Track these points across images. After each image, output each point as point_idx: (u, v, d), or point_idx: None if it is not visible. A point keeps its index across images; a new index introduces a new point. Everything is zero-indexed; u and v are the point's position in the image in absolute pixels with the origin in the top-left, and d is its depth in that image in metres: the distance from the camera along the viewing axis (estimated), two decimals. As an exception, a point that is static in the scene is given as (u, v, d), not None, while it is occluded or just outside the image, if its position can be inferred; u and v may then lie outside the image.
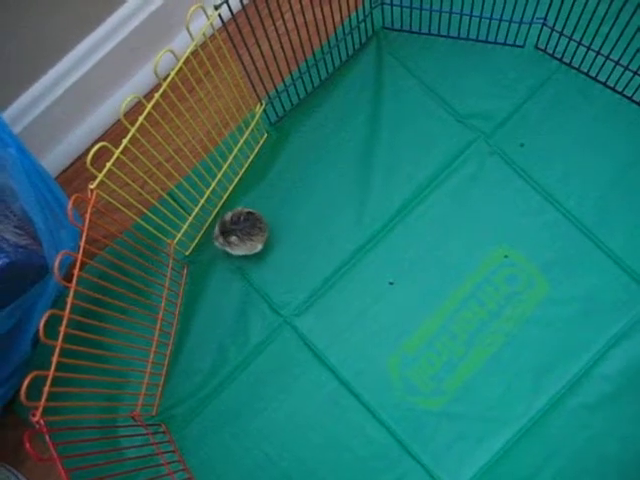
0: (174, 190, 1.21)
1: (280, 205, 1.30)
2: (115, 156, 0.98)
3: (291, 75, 1.31)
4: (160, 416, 1.23)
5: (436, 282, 1.25)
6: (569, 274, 1.23)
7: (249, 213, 1.23)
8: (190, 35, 1.01)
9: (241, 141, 1.29)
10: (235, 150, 1.29)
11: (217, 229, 1.24)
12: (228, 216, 1.22)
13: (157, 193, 1.18)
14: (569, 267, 1.23)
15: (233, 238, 1.22)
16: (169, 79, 1.03)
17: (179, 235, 1.24)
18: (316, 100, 1.37)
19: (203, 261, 1.30)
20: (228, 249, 1.24)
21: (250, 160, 1.34)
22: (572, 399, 1.17)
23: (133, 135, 1.01)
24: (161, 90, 1.02)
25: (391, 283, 1.26)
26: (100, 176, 0.98)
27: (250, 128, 1.29)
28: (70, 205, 0.92)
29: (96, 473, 0.97)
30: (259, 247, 1.26)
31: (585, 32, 1.24)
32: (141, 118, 1.00)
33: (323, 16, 1.23)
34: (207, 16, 1.03)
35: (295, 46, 1.23)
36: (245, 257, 1.27)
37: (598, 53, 1.26)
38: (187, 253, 1.29)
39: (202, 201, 1.26)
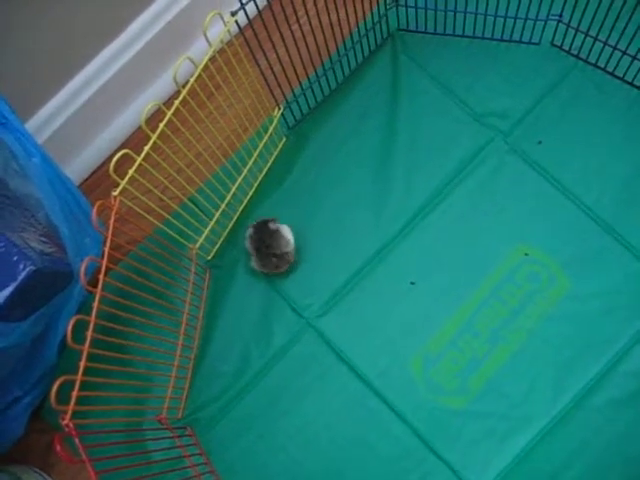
0: (195, 195, 1.22)
1: (300, 208, 1.31)
2: (137, 163, 1.00)
3: (308, 79, 1.32)
4: (185, 419, 1.24)
5: (457, 281, 1.25)
6: (590, 270, 1.23)
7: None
8: (208, 42, 1.02)
9: (260, 145, 1.30)
10: (255, 155, 1.30)
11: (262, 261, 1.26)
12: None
13: (178, 199, 1.20)
14: (590, 263, 1.23)
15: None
16: (188, 86, 1.04)
17: (201, 240, 1.25)
18: (333, 103, 1.38)
19: (225, 265, 1.31)
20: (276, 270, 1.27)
21: (269, 164, 1.35)
22: (597, 396, 1.17)
23: (154, 142, 1.02)
24: (180, 97, 1.03)
25: (412, 283, 1.26)
26: (122, 183, 0.99)
27: (269, 133, 1.30)
28: (94, 212, 0.94)
29: (124, 475, 0.99)
30: None
31: (601, 28, 1.24)
32: (162, 125, 1.02)
33: (339, 19, 1.24)
34: (224, 22, 1.04)
35: (311, 50, 1.24)
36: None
37: (615, 48, 1.26)
38: (209, 258, 1.31)
39: (223, 205, 1.27)
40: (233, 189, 1.28)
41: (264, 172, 1.34)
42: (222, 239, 1.31)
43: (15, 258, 1.02)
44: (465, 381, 1.20)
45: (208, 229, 1.26)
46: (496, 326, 1.22)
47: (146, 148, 1.00)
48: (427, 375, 1.21)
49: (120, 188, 0.99)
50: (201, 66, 1.03)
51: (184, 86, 1.04)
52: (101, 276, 0.97)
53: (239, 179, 1.29)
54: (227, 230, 1.31)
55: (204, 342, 1.27)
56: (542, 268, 1.24)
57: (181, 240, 1.21)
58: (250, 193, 1.33)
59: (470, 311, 1.23)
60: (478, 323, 1.23)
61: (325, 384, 1.23)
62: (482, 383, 1.20)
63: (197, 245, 1.25)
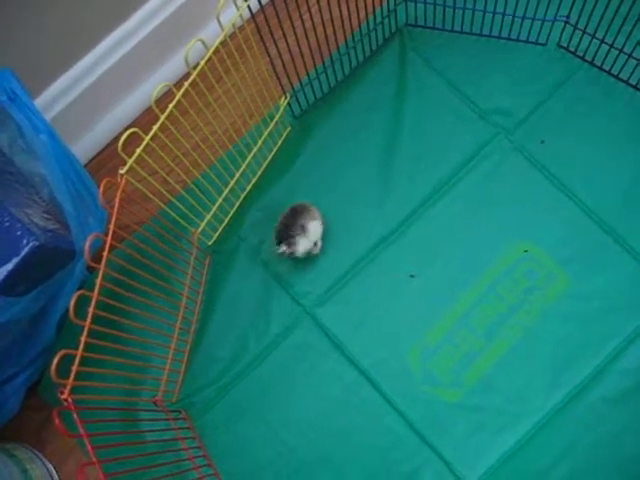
0: (199, 179, 1.23)
1: (302, 197, 1.31)
2: (145, 142, 1.00)
3: (315, 69, 1.33)
4: (180, 403, 1.24)
5: (456, 275, 1.26)
6: (588, 269, 1.24)
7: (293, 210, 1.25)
8: (220, 25, 1.02)
9: (265, 133, 1.31)
10: (259, 142, 1.30)
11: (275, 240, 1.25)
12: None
13: (183, 182, 1.20)
14: (588, 262, 1.24)
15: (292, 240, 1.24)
16: (199, 68, 1.05)
17: (203, 224, 1.26)
18: (339, 95, 1.39)
19: (226, 251, 1.31)
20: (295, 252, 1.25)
21: (274, 153, 1.36)
22: (591, 393, 1.18)
23: (162, 123, 1.03)
24: (191, 78, 1.04)
25: (412, 276, 1.27)
26: (130, 161, 1.00)
27: (274, 121, 1.31)
28: (101, 189, 0.95)
29: (118, 453, 0.99)
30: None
31: (608, 30, 1.25)
32: (171, 105, 1.02)
33: (348, 11, 1.25)
34: (237, 7, 1.05)
35: (320, 40, 1.25)
36: (270, 247, 1.28)
37: (621, 51, 1.27)
38: (210, 243, 1.31)
39: (226, 191, 1.28)
40: (237, 175, 1.28)
41: (268, 160, 1.35)
42: (224, 225, 1.32)
43: (19, 233, 1.02)
44: (460, 375, 1.21)
45: (210, 214, 1.27)
46: (493, 322, 1.23)
47: (155, 128, 1.01)
48: (423, 367, 1.22)
49: (127, 166, 0.99)
50: (212, 48, 1.04)
51: (194, 68, 1.04)
52: (105, 252, 0.97)
53: (243, 166, 1.29)
54: (229, 216, 1.32)
55: (201, 326, 1.28)
56: (541, 266, 1.25)
57: (183, 223, 1.22)
58: (253, 180, 1.34)
59: (468, 306, 1.24)
60: (475, 318, 1.24)
61: (320, 372, 1.24)
62: (477, 377, 1.21)
63: (199, 229, 1.26)
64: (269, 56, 1.19)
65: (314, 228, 1.25)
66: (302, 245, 1.24)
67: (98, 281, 0.96)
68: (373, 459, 1.19)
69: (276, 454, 1.20)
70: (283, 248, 1.23)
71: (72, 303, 0.90)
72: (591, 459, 1.15)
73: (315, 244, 1.26)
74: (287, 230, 1.23)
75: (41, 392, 1.25)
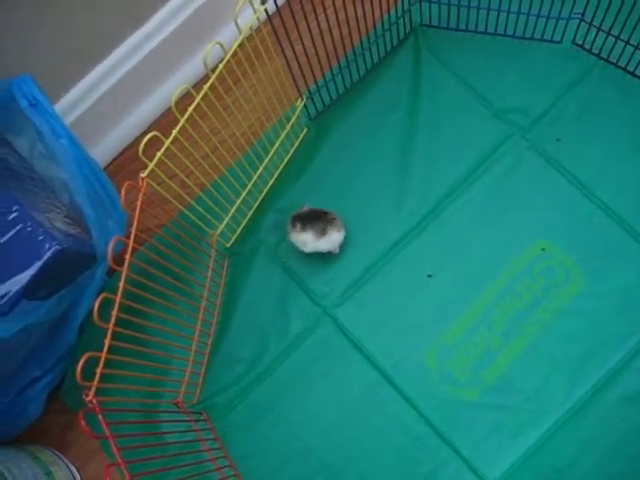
0: (218, 182, 1.23)
1: (320, 198, 1.32)
2: (165, 146, 1.01)
3: (331, 70, 1.33)
4: (201, 404, 1.25)
5: (474, 275, 1.26)
6: (606, 267, 1.24)
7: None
8: (238, 28, 1.03)
9: (282, 135, 1.31)
10: (277, 144, 1.31)
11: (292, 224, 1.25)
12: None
13: (201, 184, 1.21)
14: (606, 260, 1.24)
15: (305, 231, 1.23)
16: (217, 71, 1.05)
17: (221, 227, 1.27)
18: (355, 96, 1.39)
19: (244, 253, 1.32)
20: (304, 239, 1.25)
21: (290, 154, 1.36)
22: (610, 391, 1.18)
23: (182, 126, 1.03)
24: (210, 81, 1.04)
25: (429, 275, 1.27)
26: (151, 165, 1.00)
27: (291, 122, 1.32)
28: (123, 192, 0.95)
29: (140, 455, 1.00)
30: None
31: (623, 27, 1.25)
32: (190, 109, 1.03)
33: (364, 12, 1.25)
34: (254, 10, 1.06)
35: (335, 42, 1.26)
36: (288, 249, 1.29)
37: (636, 48, 1.27)
38: (228, 245, 1.32)
39: (244, 194, 1.28)
40: (255, 177, 1.29)
41: (285, 162, 1.36)
42: (242, 227, 1.32)
43: (41, 238, 1.03)
44: (479, 373, 1.21)
45: (228, 217, 1.27)
46: (511, 320, 1.23)
47: (174, 131, 1.02)
48: (441, 366, 1.22)
49: (149, 170, 1.00)
50: (230, 52, 1.04)
51: (213, 71, 1.05)
52: (128, 255, 0.98)
53: (260, 168, 1.30)
54: (247, 218, 1.33)
55: (221, 328, 1.28)
56: (558, 264, 1.25)
57: (202, 226, 1.22)
58: (271, 182, 1.34)
59: (486, 304, 1.24)
60: (493, 316, 1.24)
61: (340, 373, 1.24)
62: (496, 376, 1.21)
63: (217, 232, 1.27)
64: (285, 58, 1.20)
65: (334, 237, 1.25)
66: (317, 243, 1.24)
67: (121, 284, 0.97)
68: (393, 458, 1.19)
69: (297, 454, 1.21)
70: (299, 234, 1.24)
71: (96, 306, 0.90)
72: (610, 457, 1.15)
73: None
74: (310, 222, 1.23)
75: (62, 396, 1.25)
